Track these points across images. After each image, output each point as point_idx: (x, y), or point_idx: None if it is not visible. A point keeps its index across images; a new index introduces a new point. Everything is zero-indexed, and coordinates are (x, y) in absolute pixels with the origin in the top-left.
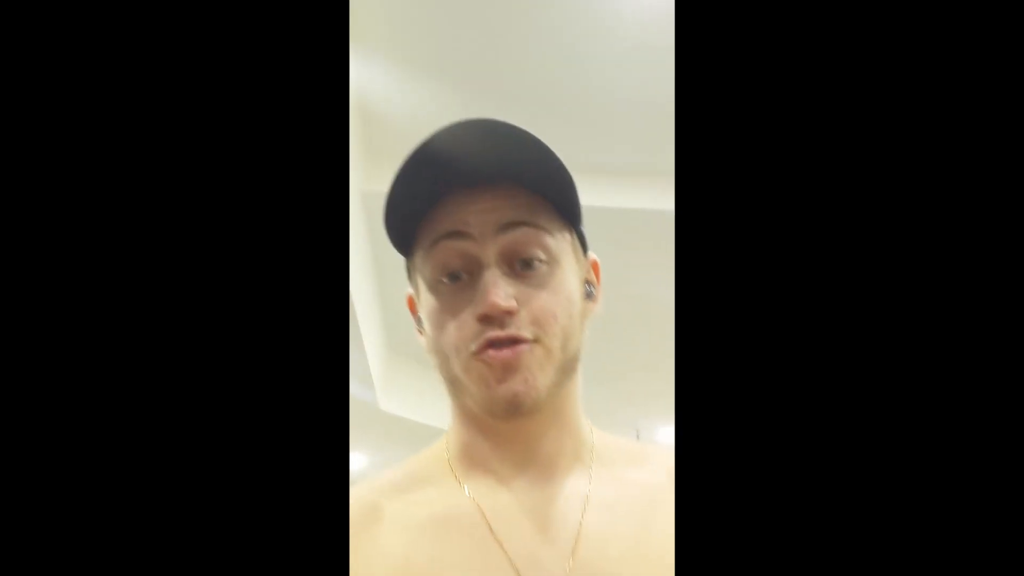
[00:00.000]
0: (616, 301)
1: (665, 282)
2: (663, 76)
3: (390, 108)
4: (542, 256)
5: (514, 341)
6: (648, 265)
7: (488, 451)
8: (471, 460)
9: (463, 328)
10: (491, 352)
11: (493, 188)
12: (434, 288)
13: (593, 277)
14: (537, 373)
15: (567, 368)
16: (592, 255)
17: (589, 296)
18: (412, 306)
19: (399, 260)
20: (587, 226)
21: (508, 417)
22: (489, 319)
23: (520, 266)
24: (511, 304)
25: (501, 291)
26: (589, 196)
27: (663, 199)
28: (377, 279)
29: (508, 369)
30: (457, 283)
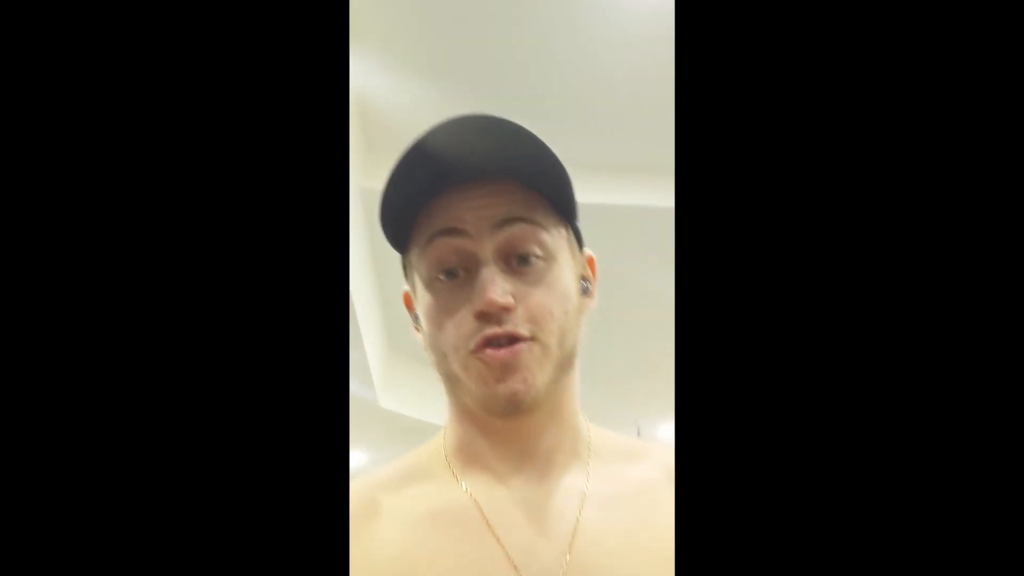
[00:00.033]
0: (617, 298)
1: (666, 279)
2: (663, 72)
3: (388, 104)
4: (538, 252)
5: (511, 339)
6: (648, 262)
7: (486, 447)
8: (468, 456)
9: (461, 326)
10: (489, 352)
11: (489, 184)
12: (431, 285)
13: (589, 273)
14: (536, 371)
15: (564, 365)
16: (588, 251)
17: (585, 292)
18: (409, 303)
19: (398, 257)
20: (588, 223)
21: (507, 415)
22: (486, 316)
23: (517, 262)
24: (508, 301)
25: (498, 288)
26: (590, 193)
27: (663, 196)
28: (376, 276)
29: (507, 369)
30: (454, 280)
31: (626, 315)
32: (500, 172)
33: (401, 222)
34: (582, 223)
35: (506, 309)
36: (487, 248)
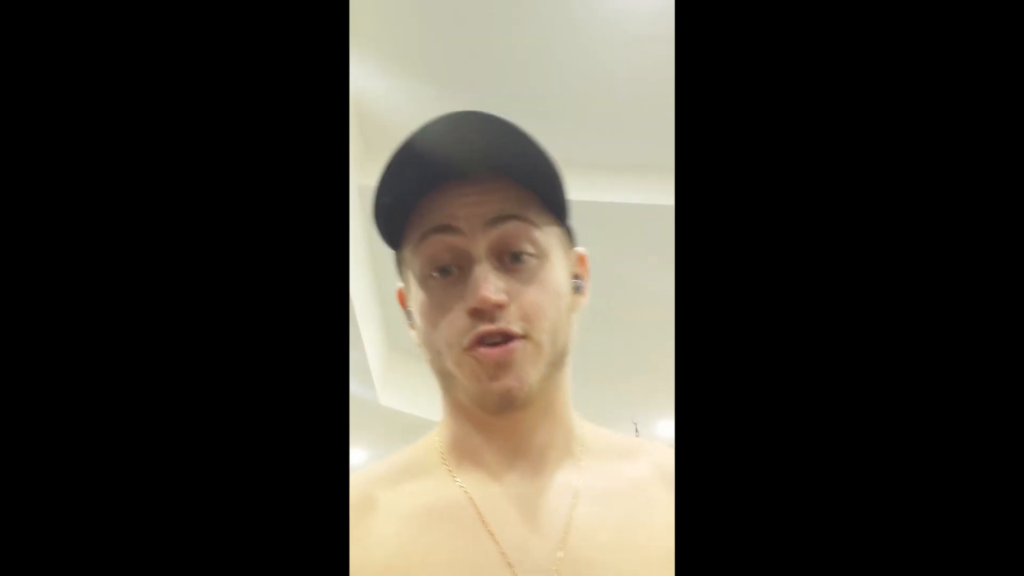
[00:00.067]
0: (616, 296)
1: (665, 277)
2: (663, 72)
3: (386, 101)
4: (531, 250)
5: (505, 337)
6: (647, 260)
7: (480, 443)
8: (463, 452)
9: (454, 323)
10: (483, 350)
11: (481, 182)
12: (424, 282)
13: (581, 271)
14: (529, 369)
15: (557, 362)
16: (580, 249)
17: (578, 290)
18: (403, 300)
19: (394, 255)
20: (588, 222)
21: (500, 411)
22: (480, 313)
23: (510, 260)
24: (502, 298)
25: (491, 285)
26: (589, 192)
27: (663, 195)
28: (374, 274)
29: (500, 367)
30: (447, 277)
31: (624, 313)
32: (493, 170)
33: (394, 219)
34: (582, 221)
35: (499, 306)
36: (480, 246)
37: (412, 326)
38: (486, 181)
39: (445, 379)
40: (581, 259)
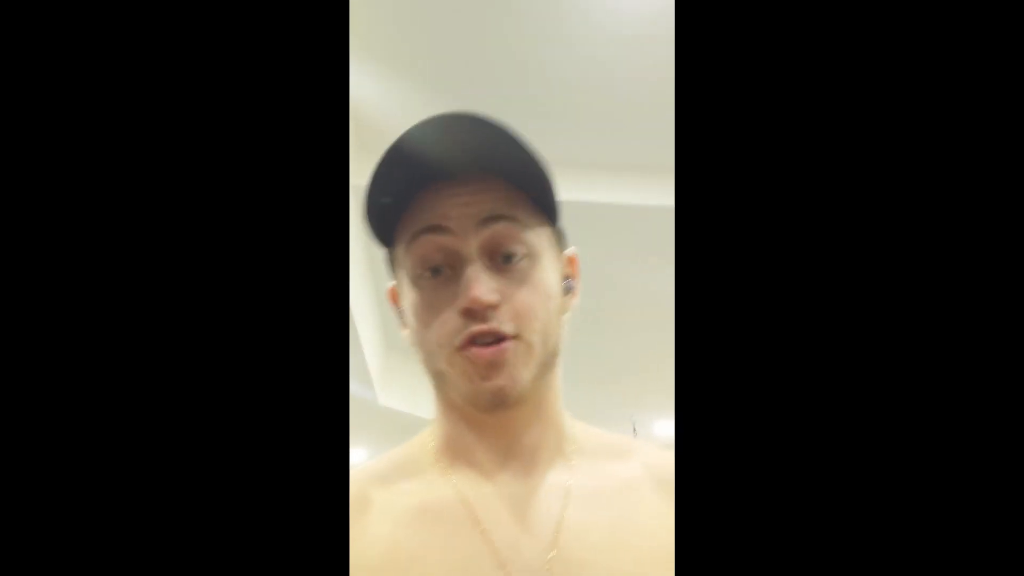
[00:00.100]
0: (615, 296)
1: (665, 276)
2: (663, 72)
3: (383, 101)
4: (522, 251)
5: (497, 337)
6: (646, 260)
7: (472, 442)
8: (456, 452)
9: (446, 323)
10: (475, 350)
11: (473, 182)
12: (416, 282)
13: (572, 271)
14: (521, 369)
15: (548, 363)
16: (571, 250)
17: (568, 291)
18: (394, 299)
19: None
20: (587, 222)
21: (492, 409)
22: (472, 313)
23: (501, 260)
24: (494, 298)
25: (484, 285)
26: (588, 192)
27: (663, 195)
28: (372, 274)
29: (492, 367)
30: (439, 277)
31: (623, 313)
32: (484, 170)
33: (386, 218)
34: (581, 221)
35: (492, 307)
36: (471, 246)
37: (404, 325)
38: (477, 181)
39: (437, 378)
40: (572, 260)
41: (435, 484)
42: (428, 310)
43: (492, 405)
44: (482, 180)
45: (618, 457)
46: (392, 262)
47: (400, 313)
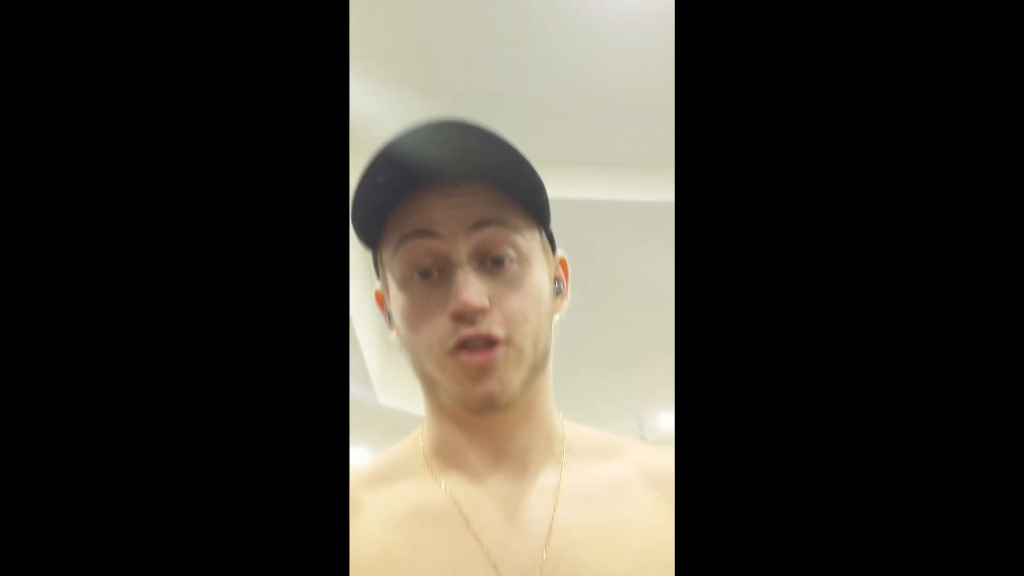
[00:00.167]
0: (619, 291)
1: (666, 273)
2: (663, 72)
3: (385, 102)
4: (512, 255)
5: (487, 342)
6: (650, 256)
7: (463, 444)
8: (446, 454)
9: (436, 327)
10: (465, 355)
11: (462, 186)
12: (405, 285)
13: (562, 274)
14: (511, 373)
15: (538, 366)
16: (560, 252)
17: (558, 293)
18: (381, 301)
19: None
20: (591, 219)
21: (483, 412)
22: (462, 317)
23: (491, 264)
24: (484, 302)
25: (474, 289)
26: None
27: (665, 191)
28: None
29: (483, 371)
30: (428, 280)
31: (628, 308)
32: (473, 175)
33: (372, 220)
34: (585, 219)
35: (482, 310)
36: (461, 250)
37: (391, 327)
38: (467, 185)
39: (427, 381)
40: (562, 263)
41: (426, 486)
42: (417, 314)
43: (483, 409)
44: (472, 184)
45: (610, 456)
46: (378, 264)
47: (387, 315)
